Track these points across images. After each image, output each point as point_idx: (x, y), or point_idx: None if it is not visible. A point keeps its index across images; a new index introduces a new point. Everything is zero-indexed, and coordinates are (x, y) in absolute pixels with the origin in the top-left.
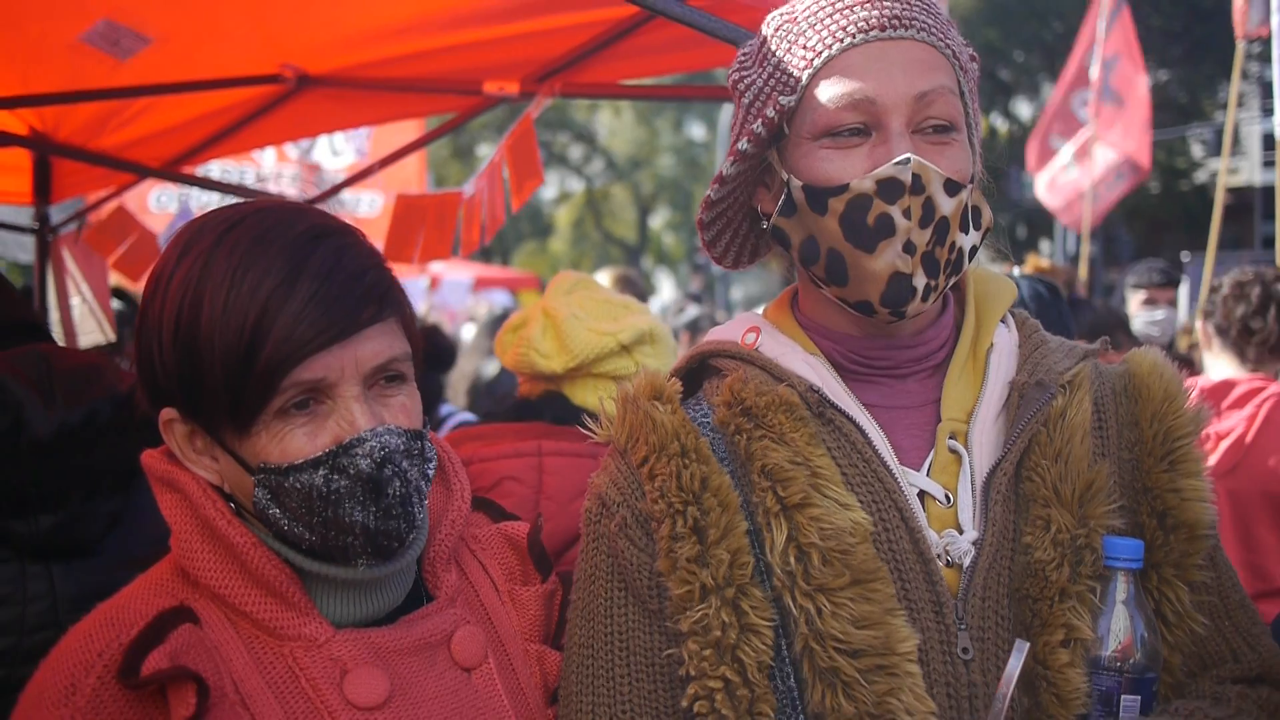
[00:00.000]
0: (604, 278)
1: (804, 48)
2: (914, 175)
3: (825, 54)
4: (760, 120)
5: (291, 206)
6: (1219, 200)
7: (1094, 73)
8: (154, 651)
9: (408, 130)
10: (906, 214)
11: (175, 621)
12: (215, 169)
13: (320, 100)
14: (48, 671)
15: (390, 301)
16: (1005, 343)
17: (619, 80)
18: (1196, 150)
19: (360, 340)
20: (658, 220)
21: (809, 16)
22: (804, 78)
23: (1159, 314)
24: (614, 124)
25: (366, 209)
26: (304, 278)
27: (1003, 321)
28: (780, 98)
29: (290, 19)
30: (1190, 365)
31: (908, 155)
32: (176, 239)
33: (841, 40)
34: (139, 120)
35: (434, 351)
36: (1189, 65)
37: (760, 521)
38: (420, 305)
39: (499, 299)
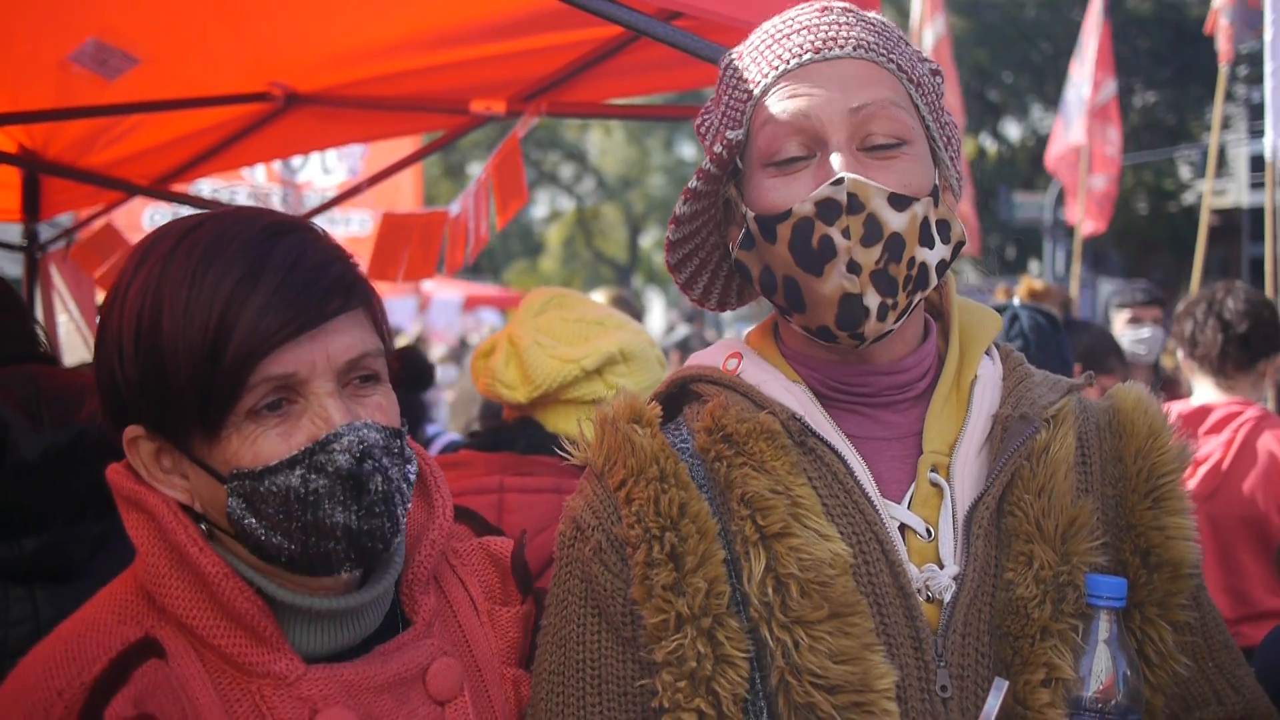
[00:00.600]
0: (599, 298)
1: (746, 81)
2: (849, 194)
3: (763, 83)
4: (709, 157)
5: (249, 210)
6: (1204, 222)
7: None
8: (117, 696)
9: (402, 148)
10: (846, 234)
11: (139, 659)
12: (206, 188)
13: (309, 118)
14: (5, 709)
15: (357, 293)
16: (989, 375)
17: (605, 99)
18: (1184, 172)
19: (329, 333)
20: (648, 239)
21: (752, 51)
22: (747, 110)
23: (1145, 332)
24: (605, 143)
25: (357, 228)
26: (267, 271)
27: (987, 353)
28: (728, 132)
29: (278, 38)
30: (1175, 384)
31: (841, 175)
32: (134, 250)
33: (777, 68)
34: (129, 138)
35: (412, 371)
36: (1176, 87)
37: (738, 550)
38: (411, 326)
39: (489, 318)
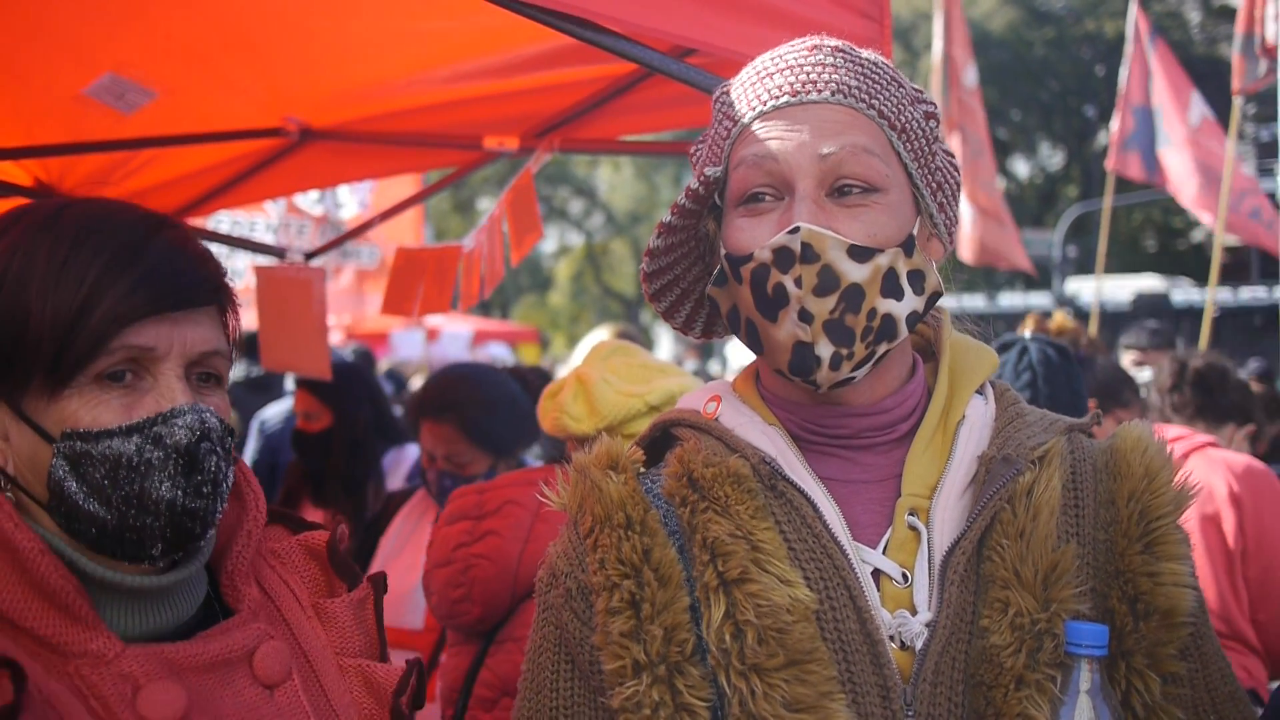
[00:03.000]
0: (604, 334)
1: (728, 118)
2: (804, 244)
3: (740, 123)
4: (685, 192)
5: (128, 202)
6: (1215, 260)
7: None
8: None
9: (406, 183)
10: (798, 283)
11: None
12: (226, 219)
13: (323, 153)
14: None
15: (223, 293)
16: (979, 416)
17: (618, 136)
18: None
19: (190, 322)
20: None
21: (738, 87)
22: (726, 148)
23: (1146, 375)
24: (614, 179)
25: (366, 260)
26: (147, 252)
27: (980, 393)
28: (706, 169)
29: (293, 73)
30: None
31: (797, 225)
32: (8, 212)
33: (755, 109)
34: (143, 172)
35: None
36: None
37: (700, 597)
38: (418, 357)
39: (498, 352)
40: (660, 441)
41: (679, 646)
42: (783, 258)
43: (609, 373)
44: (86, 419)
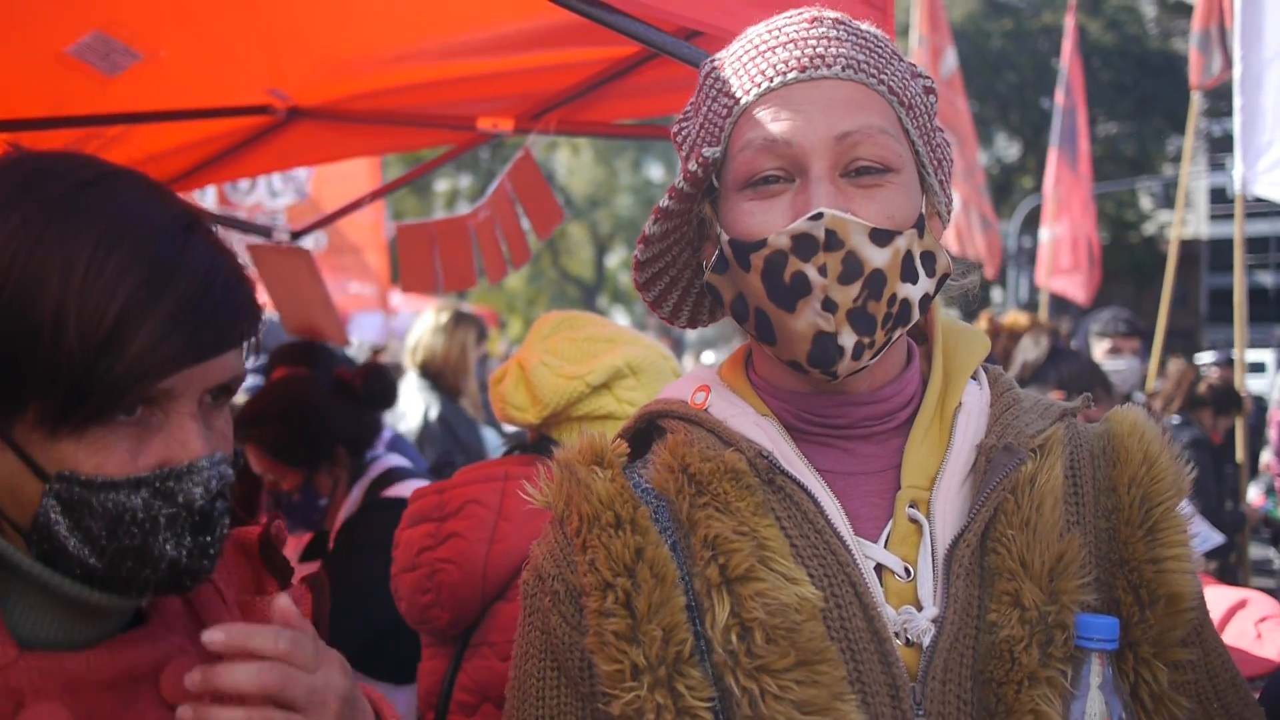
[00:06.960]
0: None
1: (726, 95)
2: (828, 230)
3: (744, 100)
4: (683, 174)
5: (147, 181)
6: (1173, 253)
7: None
8: None
9: (356, 167)
10: (822, 271)
11: None
12: None
13: (311, 132)
14: None
15: (256, 320)
16: (975, 402)
17: (617, 119)
18: (1145, 203)
19: (218, 361)
20: (614, 259)
21: (734, 62)
22: (726, 127)
23: (1121, 363)
24: (572, 163)
25: (312, 245)
26: (180, 277)
27: (974, 378)
28: (705, 150)
29: (283, 43)
30: (1152, 415)
31: (820, 210)
32: (9, 183)
33: (759, 85)
34: (121, 144)
35: (379, 390)
36: (1138, 119)
37: (701, 596)
38: (380, 339)
39: None
40: (645, 433)
41: (678, 647)
42: (804, 245)
43: (548, 354)
44: (88, 464)
